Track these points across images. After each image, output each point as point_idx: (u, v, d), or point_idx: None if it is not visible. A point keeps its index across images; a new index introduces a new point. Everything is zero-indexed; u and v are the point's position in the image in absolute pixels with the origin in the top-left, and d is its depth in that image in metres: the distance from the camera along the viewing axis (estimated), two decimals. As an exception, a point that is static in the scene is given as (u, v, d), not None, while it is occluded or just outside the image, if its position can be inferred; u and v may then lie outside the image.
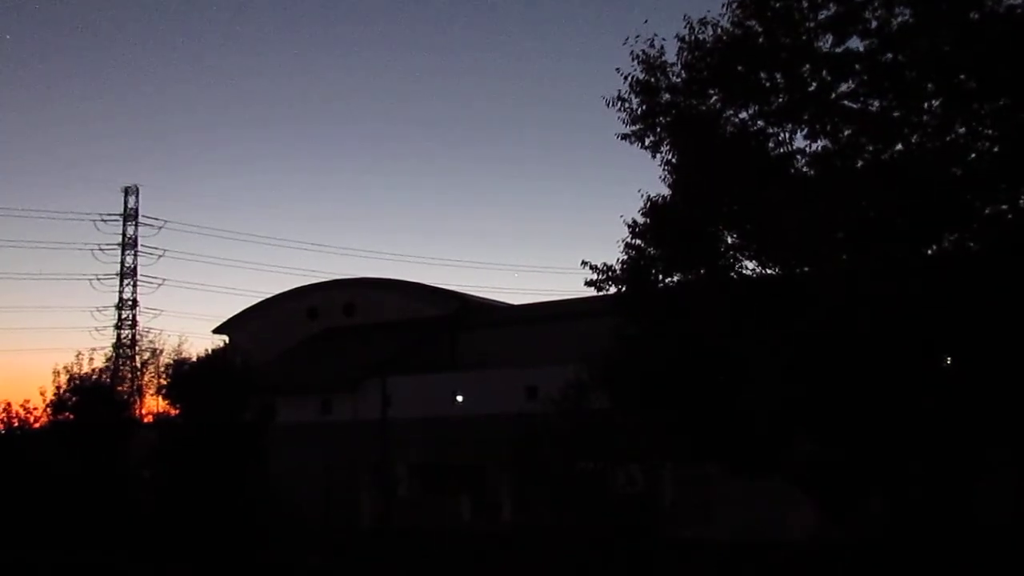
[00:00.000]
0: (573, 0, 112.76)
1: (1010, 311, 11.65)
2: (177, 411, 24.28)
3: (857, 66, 13.02)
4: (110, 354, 52.77)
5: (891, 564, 14.10)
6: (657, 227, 15.17)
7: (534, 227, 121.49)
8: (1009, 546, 12.94)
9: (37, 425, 25.88)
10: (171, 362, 31.30)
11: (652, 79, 14.63)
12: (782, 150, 14.21)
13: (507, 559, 24.21)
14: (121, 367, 50.89)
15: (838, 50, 13.20)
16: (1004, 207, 12.38)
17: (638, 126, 14.97)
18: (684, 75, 14.47)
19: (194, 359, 26.05)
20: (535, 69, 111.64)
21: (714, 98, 14.52)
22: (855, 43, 13.08)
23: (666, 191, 15.26)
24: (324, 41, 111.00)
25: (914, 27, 12.43)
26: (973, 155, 12.37)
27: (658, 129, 14.93)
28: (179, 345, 64.69)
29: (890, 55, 12.77)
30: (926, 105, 12.73)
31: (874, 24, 12.83)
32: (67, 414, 25.44)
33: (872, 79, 12.93)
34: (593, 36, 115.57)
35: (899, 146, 12.89)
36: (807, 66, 13.41)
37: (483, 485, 32.30)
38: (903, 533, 13.77)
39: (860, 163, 13.15)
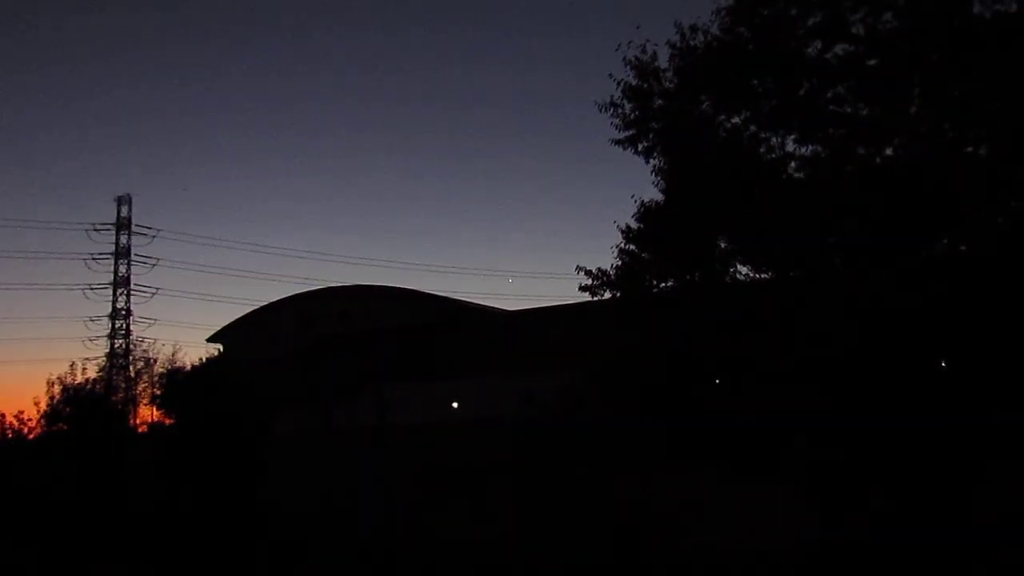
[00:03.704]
0: (566, 5, 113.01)
1: (1004, 314, 11.71)
2: (171, 420, 24.22)
3: (845, 72, 13.10)
4: (104, 364, 52.61)
5: (891, 566, 14.11)
6: (651, 232, 15.22)
7: (528, 232, 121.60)
8: (1010, 547, 12.94)
9: (31, 436, 25.74)
10: (165, 371, 31.26)
11: (645, 85, 14.69)
12: (774, 155, 14.28)
13: (507, 565, 24.19)
14: (115, 377, 50.71)
15: (827, 55, 13.29)
16: (997, 211, 12.45)
17: (631, 131, 15.02)
18: (676, 81, 14.54)
19: (188, 368, 26.02)
20: (530, 74, 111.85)
21: (706, 104, 14.58)
22: (843, 49, 13.17)
23: (659, 196, 15.33)
24: (317, 49, 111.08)
25: (899, 33, 12.52)
26: (964, 159, 12.44)
27: (651, 134, 14.98)
28: (173, 354, 64.29)
29: (877, 60, 12.86)
30: (915, 109, 12.82)
31: (861, 29, 12.93)
32: (61, 425, 25.29)
33: (860, 84, 13.02)
34: (586, 41, 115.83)
35: (889, 151, 12.98)
36: (796, 72, 13.49)
37: (482, 491, 32.30)
38: (903, 534, 13.79)
39: (851, 167, 13.23)
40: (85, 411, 25.36)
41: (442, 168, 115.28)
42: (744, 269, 14.84)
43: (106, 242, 58.23)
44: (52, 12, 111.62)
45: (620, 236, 15.46)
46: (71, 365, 27.16)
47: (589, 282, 15.65)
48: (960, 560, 12.85)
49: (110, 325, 57.47)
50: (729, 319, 13.85)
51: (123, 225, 58.11)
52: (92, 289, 57.93)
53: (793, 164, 14.07)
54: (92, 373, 29.13)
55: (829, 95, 13.44)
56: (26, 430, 25.70)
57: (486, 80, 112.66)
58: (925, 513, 13.23)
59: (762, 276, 14.59)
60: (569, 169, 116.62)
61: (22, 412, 25.76)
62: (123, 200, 58.22)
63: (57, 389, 25.49)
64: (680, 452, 16.48)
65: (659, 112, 14.79)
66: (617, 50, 14.55)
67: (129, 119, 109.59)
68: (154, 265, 58.86)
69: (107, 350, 56.25)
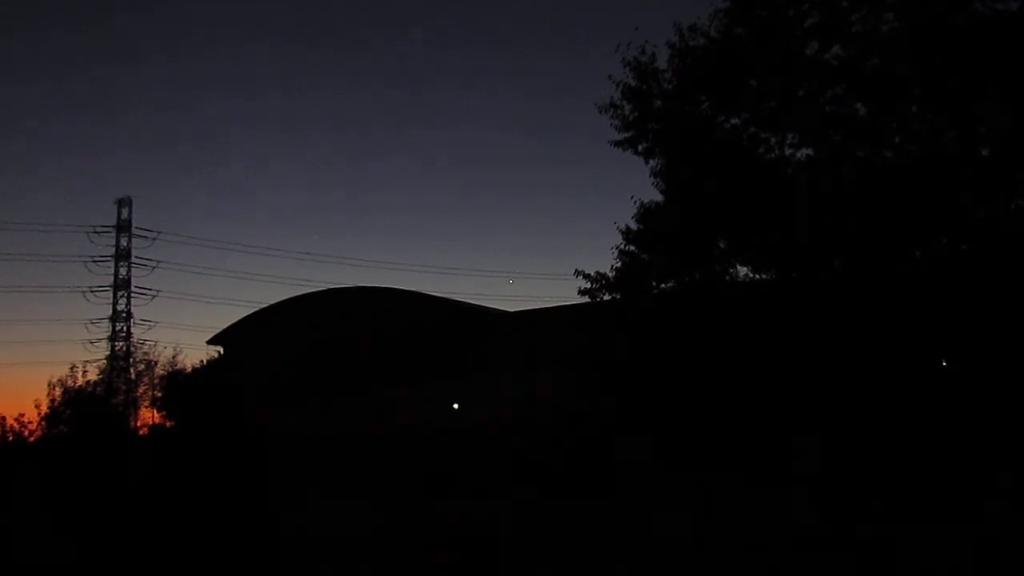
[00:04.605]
0: (567, 5, 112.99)
1: (1004, 313, 11.69)
2: (172, 423, 24.22)
3: (844, 72, 13.10)
4: (104, 366, 52.56)
5: (890, 568, 14.08)
6: (650, 233, 15.19)
7: (528, 233, 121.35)
8: (1011, 549, 12.91)
9: (32, 439, 25.75)
10: (166, 374, 31.26)
11: (644, 86, 14.69)
12: (773, 155, 14.27)
13: (507, 568, 24.13)
14: (116, 379, 50.71)
15: (825, 56, 13.29)
16: (997, 211, 12.43)
17: (631, 132, 15.01)
18: (676, 82, 14.53)
19: (189, 370, 26.03)
20: (530, 75, 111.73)
21: (705, 104, 14.58)
22: (842, 49, 13.17)
23: (659, 197, 15.31)
24: (315, 51, 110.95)
25: (899, 32, 12.51)
26: (963, 159, 12.43)
27: (650, 135, 14.97)
28: (174, 357, 64.27)
29: (876, 61, 12.86)
30: (913, 109, 12.81)
31: (859, 28, 12.93)
32: (62, 427, 25.30)
33: (858, 85, 13.01)
34: (587, 41, 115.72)
35: (888, 152, 12.96)
36: (795, 72, 13.49)
37: (484, 493, 32.25)
38: (903, 536, 13.76)
39: (849, 168, 13.22)
40: (86, 413, 25.36)
41: (442, 169, 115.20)
42: (744, 270, 14.83)
43: (106, 244, 58.11)
44: (53, 14, 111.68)
45: (620, 237, 15.46)
46: (72, 368, 27.19)
47: (588, 285, 15.63)
48: (958, 561, 12.83)
49: (110, 328, 57.38)
50: (729, 319, 13.82)
51: (123, 227, 58.00)
52: (92, 292, 57.84)
53: (793, 165, 14.06)
54: (93, 376, 29.16)
55: (828, 96, 13.45)
56: (27, 432, 25.71)
57: (486, 81, 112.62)
58: (923, 514, 13.22)
59: (762, 277, 14.57)
60: (569, 170, 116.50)
61: (23, 415, 25.77)
62: (123, 202, 58.11)
63: (58, 392, 25.51)
64: (679, 453, 16.45)
65: (658, 113, 14.78)
66: (616, 51, 14.58)
67: (129, 121, 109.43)
68: (154, 267, 58.71)
69: (108, 353, 56.17)
